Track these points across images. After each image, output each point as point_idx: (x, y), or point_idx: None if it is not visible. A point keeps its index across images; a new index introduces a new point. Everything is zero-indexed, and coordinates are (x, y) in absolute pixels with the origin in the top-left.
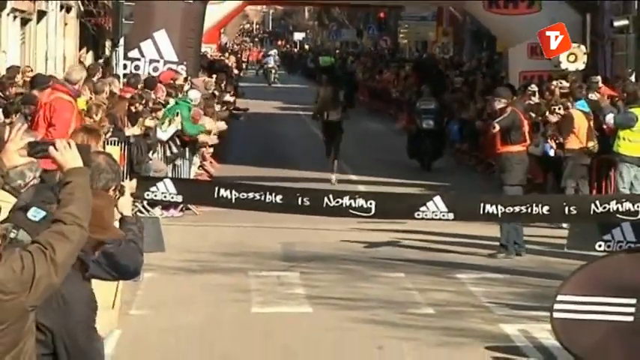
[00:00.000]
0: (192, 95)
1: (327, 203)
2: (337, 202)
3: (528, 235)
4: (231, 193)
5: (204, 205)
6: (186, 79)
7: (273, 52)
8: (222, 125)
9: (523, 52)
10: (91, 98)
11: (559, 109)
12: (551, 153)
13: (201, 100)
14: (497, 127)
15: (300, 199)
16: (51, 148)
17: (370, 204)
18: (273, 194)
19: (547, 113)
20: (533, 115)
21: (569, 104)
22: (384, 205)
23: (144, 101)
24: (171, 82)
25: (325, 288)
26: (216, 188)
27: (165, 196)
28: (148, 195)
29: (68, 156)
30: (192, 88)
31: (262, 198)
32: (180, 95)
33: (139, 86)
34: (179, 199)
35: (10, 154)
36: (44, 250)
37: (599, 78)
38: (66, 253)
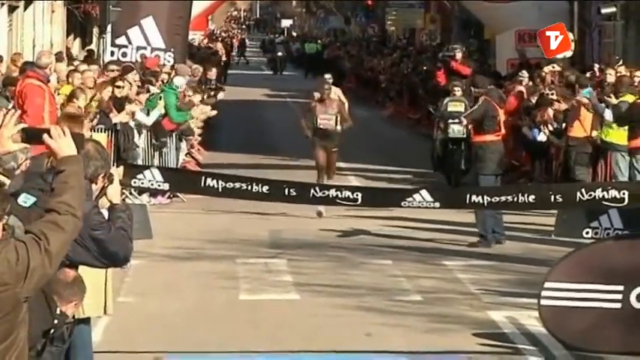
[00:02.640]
0: (178, 82)
1: (313, 194)
2: (324, 193)
3: (516, 223)
4: (217, 182)
5: (191, 193)
6: (172, 67)
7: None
8: (211, 111)
9: (510, 40)
10: (72, 84)
11: (552, 94)
12: (540, 138)
13: (187, 87)
14: (465, 122)
15: (286, 190)
16: (45, 135)
17: (357, 195)
18: (260, 184)
19: (553, 102)
20: (533, 101)
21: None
22: (371, 198)
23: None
24: (157, 68)
25: (313, 275)
26: (203, 177)
27: (152, 184)
28: (135, 183)
29: (62, 144)
30: (177, 75)
31: (249, 188)
32: (159, 83)
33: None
34: (166, 187)
35: (3, 140)
36: (38, 241)
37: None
38: (60, 243)
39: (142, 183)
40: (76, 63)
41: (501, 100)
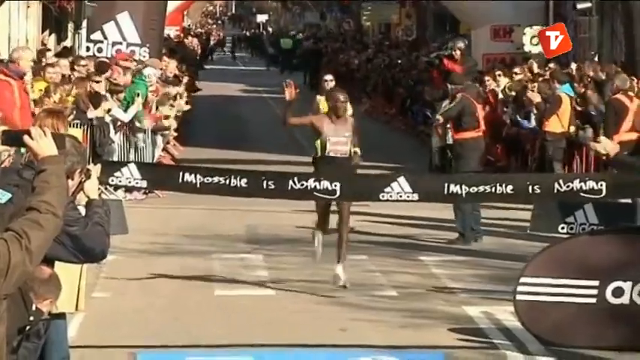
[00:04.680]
0: (147, 72)
1: (292, 186)
2: (302, 184)
3: (492, 218)
4: (195, 177)
5: (169, 190)
6: (140, 62)
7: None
8: (185, 105)
9: (486, 35)
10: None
11: (533, 88)
12: (530, 125)
13: (159, 81)
14: (441, 120)
15: (264, 182)
16: (26, 136)
17: (335, 186)
18: (238, 177)
19: (529, 92)
20: (513, 92)
21: (555, 87)
22: (349, 187)
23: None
24: (129, 63)
25: (289, 271)
26: (181, 173)
27: (129, 182)
28: (112, 180)
29: (43, 144)
30: (147, 66)
31: (227, 182)
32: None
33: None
34: (143, 184)
35: None
36: (19, 239)
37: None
38: (40, 241)
39: (120, 181)
40: (49, 55)
41: (479, 96)
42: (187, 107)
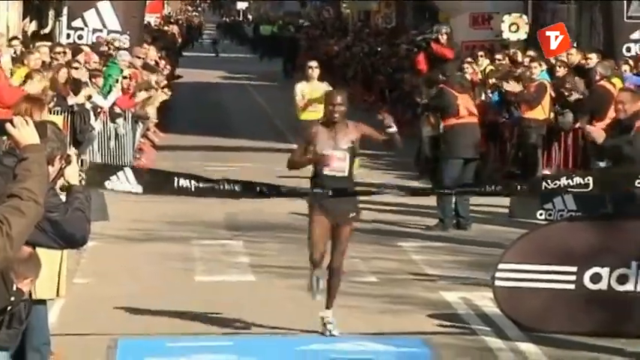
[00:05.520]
0: (121, 55)
1: (281, 191)
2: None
3: (471, 205)
4: (190, 183)
5: (166, 194)
6: (117, 48)
7: None
8: (163, 95)
9: (465, 23)
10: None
11: (517, 76)
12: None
13: (138, 67)
14: (432, 119)
15: (258, 187)
16: (8, 125)
17: (329, 193)
18: (232, 184)
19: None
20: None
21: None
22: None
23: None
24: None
25: (269, 257)
26: (176, 179)
27: (125, 187)
28: (108, 185)
29: (25, 133)
30: (121, 49)
31: (221, 187)
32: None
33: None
34: (139, 189)
35: None
36: (0, 225)
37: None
38: (21, 227)
39: (115, 186)
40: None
41: (461, 86)
42: (167, 96)
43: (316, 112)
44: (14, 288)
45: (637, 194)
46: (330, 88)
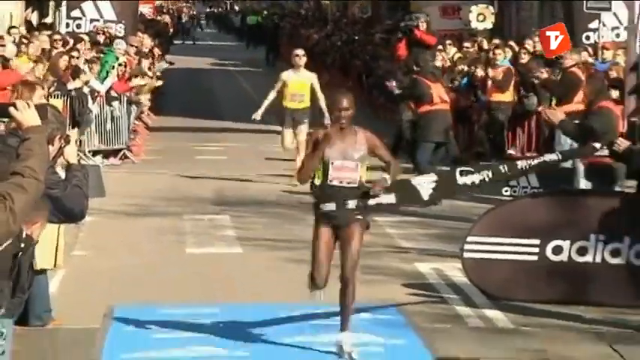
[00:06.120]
0: (117, 43)
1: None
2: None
3: None
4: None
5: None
6: (113, 37)
7: None
8: (157, 81)
9: (435, 13)
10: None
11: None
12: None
13: (132, 55)
14: (412, 105)
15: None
16: (11, 108)
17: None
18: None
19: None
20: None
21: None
22: None
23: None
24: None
25: (255, 230)
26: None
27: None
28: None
29: (27, 115)
30: (117, 37)
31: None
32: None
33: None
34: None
35: None
36: (4, 201)
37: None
38: (23, 203)
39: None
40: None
41: (434, 75)
42: (159, 83)
43: (301, 102)
44: (24, 235)
45: (612, 170)
46: (315, 77)
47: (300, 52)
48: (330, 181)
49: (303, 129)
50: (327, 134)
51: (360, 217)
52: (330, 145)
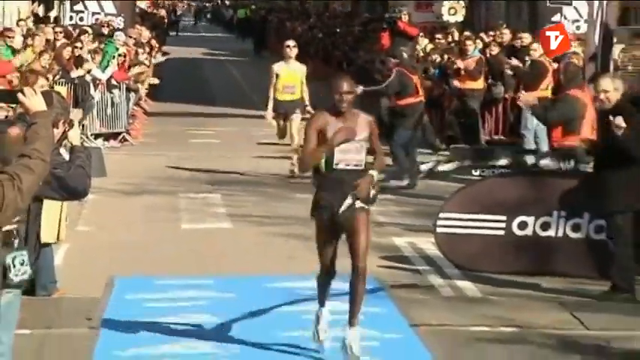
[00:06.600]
0: (117, 35)
1: None
2: None
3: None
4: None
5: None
6: (112, 28)
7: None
8: (154, 79)
9: (411, 7)
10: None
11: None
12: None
13: (131, 46)
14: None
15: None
16: (19, 94)
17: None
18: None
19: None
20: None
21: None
22: None
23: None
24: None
25: (244, 207)
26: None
27: None
28: None
29: (34, 101)
30: (118, 30)
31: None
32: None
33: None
34: None
35: None
36: (12, 180)
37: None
38: (30, 182)
39: None
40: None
41: (412, 67)
42: (156, 81)
43: (293, 94)
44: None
45: (575, 152)
46: (304, 68)
47: (291, 43)
48: (337, 164)
49: (295, 118)
50: (327, 120)
51: (364, 205)
52: (332, 129)
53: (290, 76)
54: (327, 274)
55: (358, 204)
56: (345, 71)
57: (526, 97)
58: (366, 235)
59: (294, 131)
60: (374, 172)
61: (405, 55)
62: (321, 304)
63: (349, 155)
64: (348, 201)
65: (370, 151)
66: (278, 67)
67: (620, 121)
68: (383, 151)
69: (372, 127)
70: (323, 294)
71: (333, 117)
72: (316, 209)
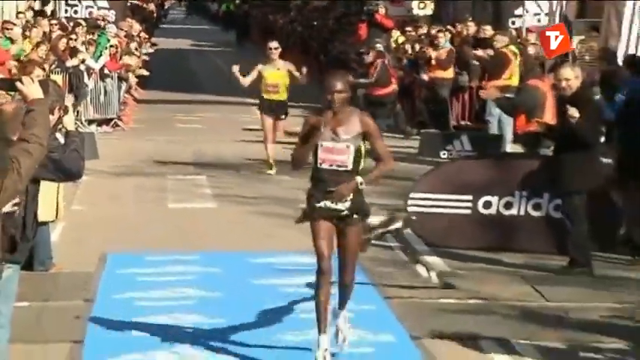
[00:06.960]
0: (109, 27)
1: None
2: None
3: (388, 146)
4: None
5: None
6: (104, 20)
7: None
8: (144, 71)
9: (384, 1)
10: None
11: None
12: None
13: (122, 38)
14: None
15: None
16: (18, 83)
17: None
18: None
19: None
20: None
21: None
22: None
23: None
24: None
25: (228, 189)
26: None
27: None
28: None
29: (32, 89)
30: (110, 22)
31: None
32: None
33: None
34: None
35: None
36: (12, 164)
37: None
38: (28, 165)
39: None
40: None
41: (396, 59)
42: (146, 73)
43: (277, 94)
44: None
45: (537, 137)
46: (292, 67)
47: (273, 44)
48: (320, 164)
49: (281, 125)
50: (319, 119)
51: (356, 216)
52: (322, 128)
53: (274, 75)
54: (322, 274)
55: (355, 214)
56: (321, 61)
57: (488, 93)
58: (356, 246)
59: (278, 134)
60: (359, 179)
61: (380, 46)
62: (320, 330)
63: (332, 155)
64: (327, 204)
65: (376, 158)
66: (262, 67)
67: (573, 111)
68: (391, 155)
69: (366, 127)
70: (320, 313)
71: (326, 117)
72: (308, 203)
